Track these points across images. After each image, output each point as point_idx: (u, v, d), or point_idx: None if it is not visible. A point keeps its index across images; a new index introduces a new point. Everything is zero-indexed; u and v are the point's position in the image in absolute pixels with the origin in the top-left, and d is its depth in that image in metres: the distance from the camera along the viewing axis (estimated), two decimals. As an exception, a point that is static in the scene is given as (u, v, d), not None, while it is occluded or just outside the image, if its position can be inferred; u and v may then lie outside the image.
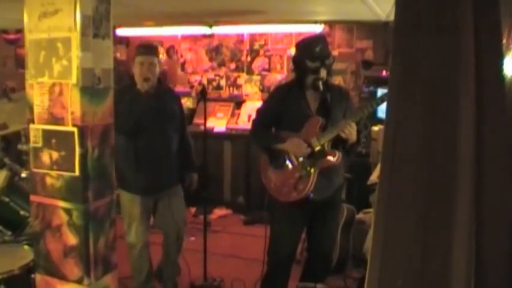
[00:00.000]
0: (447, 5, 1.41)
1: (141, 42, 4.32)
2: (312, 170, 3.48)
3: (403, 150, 1.46)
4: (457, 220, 1.38)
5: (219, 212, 6.89)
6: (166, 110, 4.00)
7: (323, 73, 3.45)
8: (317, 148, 3.49)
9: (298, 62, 3.57)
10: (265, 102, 3.95)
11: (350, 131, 3.40)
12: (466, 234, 1.38)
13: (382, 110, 5.81)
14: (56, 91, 3.10)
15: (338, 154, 3.48)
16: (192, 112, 7.46)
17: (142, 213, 4.02)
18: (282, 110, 3.61)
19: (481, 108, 1.38)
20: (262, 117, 3.75)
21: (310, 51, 3.47)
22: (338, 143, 3.51)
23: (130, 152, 3.89)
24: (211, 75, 7.85)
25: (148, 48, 4.06)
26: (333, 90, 3.60)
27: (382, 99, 3.41)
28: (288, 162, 3.57)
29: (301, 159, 3.52)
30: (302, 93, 3.58)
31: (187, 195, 4.35)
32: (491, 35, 1.37)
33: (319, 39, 3.65)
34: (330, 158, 3.49)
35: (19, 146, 5.13)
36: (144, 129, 3.85)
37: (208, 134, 6.85)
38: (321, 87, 3.43)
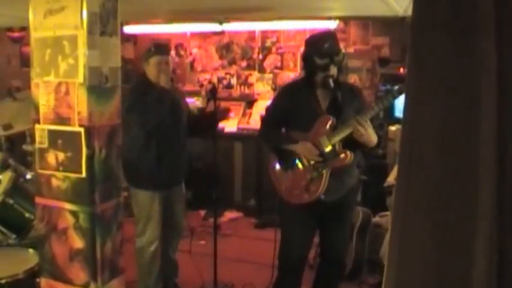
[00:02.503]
0: (467, 2, 1.40)
1: (154, 43, 4.48)
2: (324, 171, 3.47)
3: (421, 151, 1.45)
4: (479, 223, 1.37)
5: (229, 215, 6.88)
6: (180, 106, 4.20)
7: (333, 70, 3.43)
8: (328, 148, 3.47)
9: (307, 59, 3.56)
10: (274, 100, 3.94)
11: (368, 131, 3.35)
12: (487, 238, 1.37)
13: (399, 110, 5.79)
14: (62, 90, 3.13)
15: (350, 154, 3.45)
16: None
17: (160, 210, 4.12)
18: (292, 108, 3.60)
19: (503, 108, 1.37)
20: (271, 115, 3.75)
21: (318, 48, 3.47)
22: (356, 145, 3.48)
23: (151, 148, 4.02)
24: (221, 73, 7.85)
25: (163, 47, 4.29)
26: (344, 88, 3.58)
27: (393, 95, 3.36)
28: (298, 162, 3.57)
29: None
30: (312, 92, 3.57)
31: (196, 197, 4.37)
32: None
33: (327, 35, 3.64)
34: (342, 157, 3.47)
35: (24, 147, 5.17)
36: (165, 125, 3.99)
37: (219, 134, 6.89)
38: (331, 84, 3.42)
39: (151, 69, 4.03)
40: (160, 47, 4.25)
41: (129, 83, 4.24)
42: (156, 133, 3.99)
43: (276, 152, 3.69)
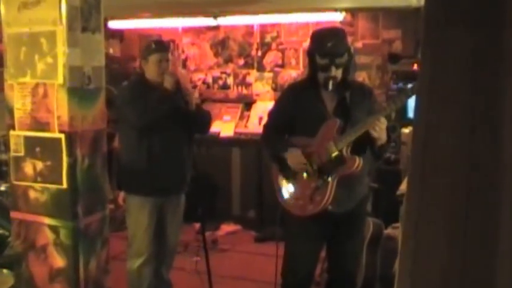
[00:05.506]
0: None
1: (153, 39, 4.58)
2: (330, 179, 3.46)
3: (435, 155, 1.44)
4: (502, 233, 1.37)
5: (226, 228, 6.86)
6: (184, 110, 4.16)
7: (334, 72, 3.42)
8: (334, 154, 3.46)
9: (309, 55, 3.56)
10: (276, 103, 3.94)
11: (380, 127, 3.36)
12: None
13: (413, 110, 5.78)
14: (40, 93, 3.12)
15: (359, 160, 3.45)
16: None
17: (150, 218, 4.11)
18: (296, 111, 3.60)
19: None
20: (274, 120, 3.75)
21: (320, 46, 3.46)
22: (365, 144, 3.48)
23: (142, 150, 4.03)
24: (216, 72, 7.85)
25: (163, 44, 4.39)
26: (353, 88, 3.58)
27: (406, 94, 3.35)
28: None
29: (316, 167, 3.50)
30: (317, 93, 3.57)
31: (190, 209, 4.37)
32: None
33: (334, 33, 3.62)
34: (349, 164, 3.46)
35: (-3, 156, 5.16)
36: (160, 127, 4.00)
37: (214, 140, 6.89)
38: (331, 86, 3.42)
39: (151, 67, 4.07)
40: (160, 43, 4.32)
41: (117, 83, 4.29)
42: (149, 134, 4.00)
43: (277, 160, 3.68)
